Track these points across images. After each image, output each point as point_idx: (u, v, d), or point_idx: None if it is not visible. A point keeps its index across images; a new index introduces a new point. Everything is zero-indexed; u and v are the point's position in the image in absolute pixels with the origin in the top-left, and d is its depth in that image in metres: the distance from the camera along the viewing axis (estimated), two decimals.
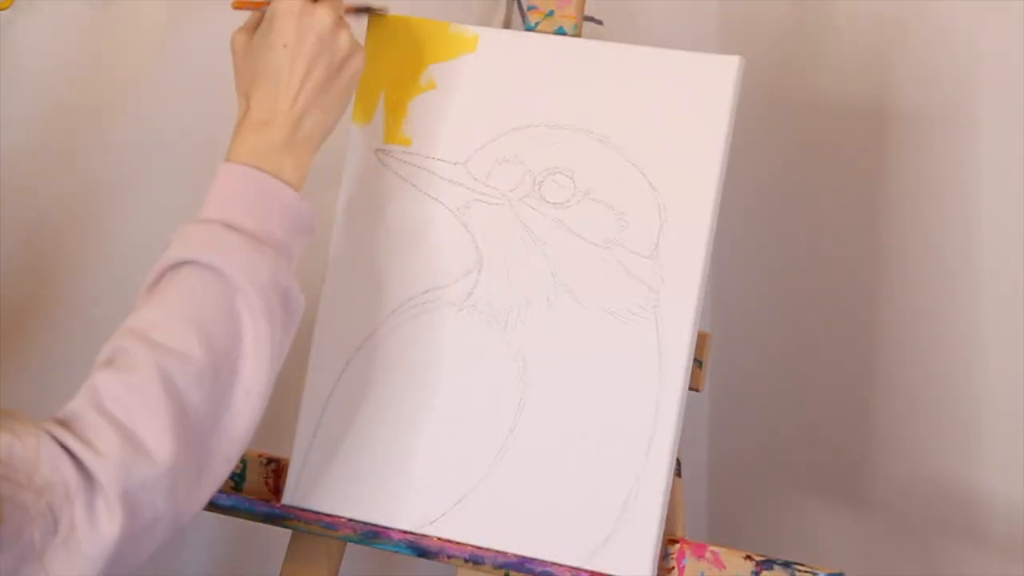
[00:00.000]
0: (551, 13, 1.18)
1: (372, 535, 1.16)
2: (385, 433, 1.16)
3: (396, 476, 1.16)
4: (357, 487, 1.16)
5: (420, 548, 1.15)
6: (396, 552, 1.16)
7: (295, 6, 1.06)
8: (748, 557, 1.11)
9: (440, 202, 1.17)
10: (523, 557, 1.13)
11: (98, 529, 0.91)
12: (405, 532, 1.15)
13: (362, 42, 1.13)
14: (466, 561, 1.14)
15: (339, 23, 1.07)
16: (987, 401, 1.47)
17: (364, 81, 1.19)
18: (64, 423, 0.94)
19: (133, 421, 0.94)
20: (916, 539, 1.54)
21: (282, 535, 1.21)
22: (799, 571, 1.09)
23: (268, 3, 1.08)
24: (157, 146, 1.44)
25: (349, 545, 1.20)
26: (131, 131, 1.43)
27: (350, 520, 1.16)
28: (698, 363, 1.14)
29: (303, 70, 1.06)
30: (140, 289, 1.01)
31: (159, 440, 0.94)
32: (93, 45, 1.38)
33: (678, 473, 1.13)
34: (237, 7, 1.09)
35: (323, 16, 1.06)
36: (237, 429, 0.98)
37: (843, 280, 1.55)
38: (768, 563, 1.10)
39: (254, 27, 1.09)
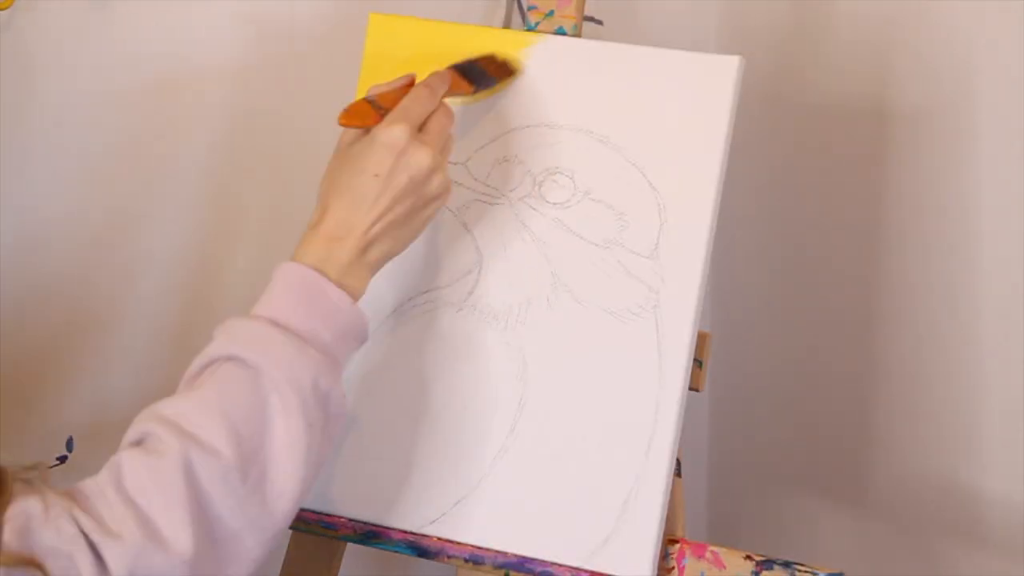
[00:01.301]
0: (551, 13, 1.18)
1: (372, 535, 1.16)
2: (385, 433, 1.16)
3: (396, 476, 1.16)
4: (357, 487, 1.16)
5: (420, 548, 1.15)
6: (396, 552, 1.16)
7: (399, 142, 1.05)
8: (748, 557, 1.11)
9: None
10: (523, 557, 1.13)
11: None
12: (405, 532, 1.15)
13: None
14: (466, 561, 1.14)
15: (436, 167, 1.06)
16: (987, 401, 1.46)
17: (365, 81, 1.19)
18: (83, 497, 0.93)
19: (150, 507, 0.93)
20: (916, 539, 1.54)
21: (282, 535, 1.21)
22: (799, 571, 1.09)
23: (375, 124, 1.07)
24: (157, 145, 1.44)
25: (349, 545, 1.20)
26: (131, 130, 1.43)
27: (350, 520, 1.16)
28: (698, 363, 1.14)
29: (386, 204, 1.04)
30: (181, 381, 1.01)
31: (176, 531, 0.92)
32: (93, 45, 1.38)
33: (678, 473, 1.13)
34: (344, 124, 1.07)
35: (422, 160, 1.05)
36: (267, 531, 0.97)
37: (843, 280, 1.55)
38: (768, 563, 1.10)
39: (363, 135, 1.07)
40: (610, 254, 1.13)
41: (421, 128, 1.07)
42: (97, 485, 0.94)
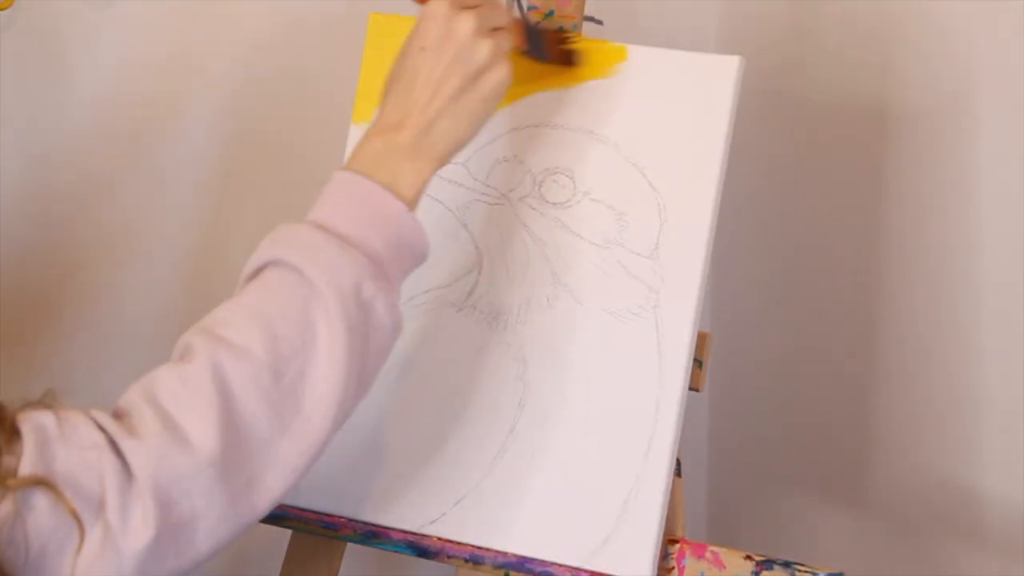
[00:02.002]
0: (551, 13, 1.18)
1: (372, 535, 1.16)
2: (385, 433, 1.16)
3: (396, 476, 1.16)
4: (357, 487, 1.16)
5: (420, 548, 1.15)
6: (396, 552, 1.16)
7: (440, 9, 1.02)
8: (748, 557, 1.11)
9: (440, 202, 1.17)
10: (523, 557, 1.13)
11: (130, 525, 0.88)
12: (405, 532, 1.15)
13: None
14: (466, 561, 1.14)
15: (481, 31, 1.02)
16: (987, 401, 1.47)
17: (365, 81, 1.19)
18: (115, 412, 0.91)
19: (178, 410, 0.90)
20: (916, 539, 1.54)
21: (282, 535, 1.21)
22: (799, 571, 1.09)
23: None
24: (157, 145, 1.44)
25: (349, 545, 1.20)
26: (131, 130, 1.43)
27: (350, 520, 1.16)
28: (698, 363, 1.14)
29: (439, 75, 1.01)
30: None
31: (201, 432, 0.90)
32: (93, 45, 1.38)
33: (678, 473, 1.13)
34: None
35: (464, 22, 1.02)
36: (307, 438, 0.94)
37: (843, 280, 1.55)
38: (768, 563, 1.10)
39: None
40: (610, 254, 1.13)
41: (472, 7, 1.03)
42: (128, 396, 0.92)
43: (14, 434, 0.88)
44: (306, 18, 1.45)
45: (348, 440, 1.16)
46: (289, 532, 1.20)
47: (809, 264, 1.57)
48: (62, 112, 1.39)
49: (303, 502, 1.17)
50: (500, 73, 1.04)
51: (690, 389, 1.12)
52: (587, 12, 1.19)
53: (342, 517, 1.17)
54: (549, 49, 1.14)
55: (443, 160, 1.02)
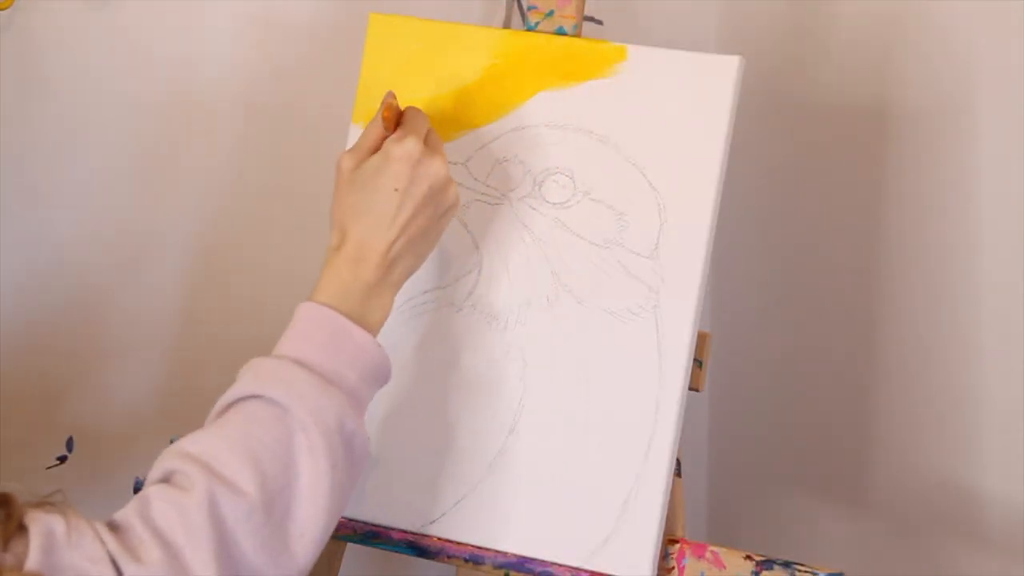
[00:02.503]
0: (551, 13, 1.18)
1: (372, 535, 1.16)
2: (385, 433, 1.16)
3: (396, 476, 1.16)
4: (357, 487, 1.16)
5: (420, 548, 1.15)
6: (396, 552, 1.16)
7: (413, 154, 1.05)
8: (748, 557, 1.11)
9: None
10: (523, 557, 1.13)
11: None
12: (405, 532, 1.15)
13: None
14: (466, 561, 1.14)
15: (450, 176, 1.07)
16: (987, 401, 1.46)
17: (365, 82, 1.19)
18: (110, 526, 0.93)
19: (176, 540, 0.93)
20: (916, 539, 1.54)
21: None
22: (799, 571, 1.09)
23: (395, 128, 1.08)
24: (157, 145, 1.44)
25: (349, 545, 1.20)
26: (131, 130, 1.43)
27: (350, 520, 1.16)
28: (698, 363, 1.14)
29: (408, 216, 1.05)
30: (207, 418, 1.01)
31: (201, 566, 0.92)
32: (93, 45, 1.38)
33: (678, 473, 1.13)
34: (386, 118, 1.07)
35: (439, 169, 1.06)
36: (290, 571, 0.97)
37: (843, 280, 1.55)
38: (768, 563, 1.10)
39: (364, 156, 1.07)
40: (610, 254, 1.13)
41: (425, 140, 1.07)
42: (125, 516, 0.94)
43: (20, 531, 0.89)
44: (306, 17, 1.45)
45: None
46: None
47: (809, 264, 1.57)
48: (61, 112, 1.39)
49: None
50: (456, 209, 1.09)
51: (690, 389, 1.12)
52: (587, 12, 1.19)
53: (342, 517, 1.17)
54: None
55: (399, 287, 1.07)
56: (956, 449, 1.49)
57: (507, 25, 1.48)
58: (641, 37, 1.25)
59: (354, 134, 1.18)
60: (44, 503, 0.92)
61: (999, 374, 1.45)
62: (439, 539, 1.14)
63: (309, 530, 0.97)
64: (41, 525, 0.90)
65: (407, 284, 1.17)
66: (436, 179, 1.06)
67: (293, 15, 1.45)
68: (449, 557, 1.14)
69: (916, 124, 1.45)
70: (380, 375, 1.04)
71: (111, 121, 1.41)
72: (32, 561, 0.88)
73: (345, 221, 1.05)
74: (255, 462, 0.96)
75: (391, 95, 1.09)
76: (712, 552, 1.12)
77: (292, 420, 0.98)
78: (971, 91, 1.41)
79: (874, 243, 1.51)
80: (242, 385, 1.00)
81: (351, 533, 1.16)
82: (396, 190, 1.05)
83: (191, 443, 0.98)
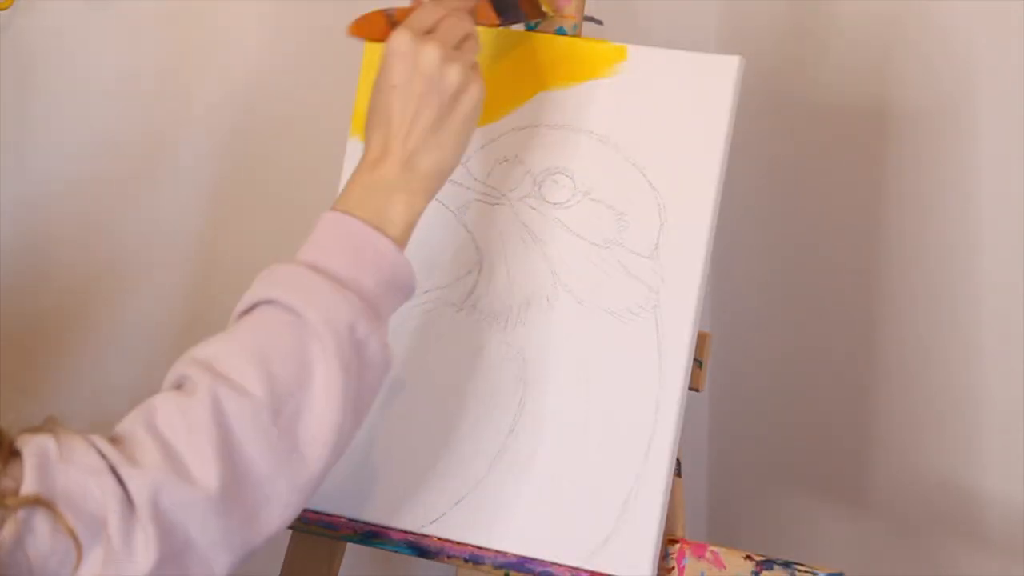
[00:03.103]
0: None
1: (372, 535, 1.16)
2: (385, 433, 1.16)
3: (396, 476, 1.16)
4: (357, 487, 1.16)
5: (420, 548, 1.15)
6: (396, 552, 1.16)
7: (403, 45, 1.03)
8: (748, 557, 1.11)
9: (440, 202, 1.17)
10: (523, 557, 1.13)
11: (133, 550, 0.89)
12: (405, 532, 1.15)
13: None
14: (466, 561, 1.14)
15: (448, 57, 1.04)
16: (987, 401, 1.47)
17: (364, 83, 1.19)
18: (112, 439, 0.92)
19: (178, 442, 0.92)
20: (916, 539, 1.54)
21: (282, 535, 1.21)
22: (799, 571, 1.09)
23: (384, 37, 1.06)
24: (157, 145, 1.44)
25: (349, 545, 1.20)
26: (131, 130, 1.43)
27: (350, 520, 1.16)
28: (698, 363, 1.14)
29: (412, 110, 1.03)
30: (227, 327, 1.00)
31: (202, 467, 0.91)
32: (93, 45, 1.38)
33: (678, 473, 1.13)
34: (352, 34, 1.06)
35: (429, 53, 1.03)
36: (301, 476, 0.95)
37: (843, 280, 1.55)
38: (768, 563, 1.10)
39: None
40: (610, 254, 1.13)
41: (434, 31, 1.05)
42: (127, 424, 0.93)
43: (13, 456, 0.89)
44: (306, 17, 1.45)
45: None
46: (289, 532, 1.20)
47: (809, 264, 1.57)
48: (61, 112, 1.39)
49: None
50: (474, 92, 1.05)
51: (690, 389, 1.12)
52: (587, 12, 1.19)
53: (342, 517, 1.17)
54: (524, 8, 1.15)
55: (433, 190, 1.04)
56: (956, 449, 1.49)
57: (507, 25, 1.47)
58: (641, 37, 1.24)
59: (352, 146, 1.18)
60: (35, 429, 0.91)
61: (999, 374, 1.45)
62: (439, 539, 1.14)
63: (322, 434, 0.95)
64: (33, 446, 0.89)
65: None
66: (428, 65, 1.03)
67: (294, 17, 1.45)
68: (449, 557, 1.14)
69: (916, 124, 1.45)
70: (400, 283, 1.01)
71: (111, 121, 1.41)
72: (28, 482, 0.87)
73: (367, 131, 1.04)
74: (263, 363, 0.94)
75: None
76: (712, 552, 1.12)
77: (303, 323, 0.96)
78: (971, 91, 1.41)
79: (874, 243, 1.51)
80: (254, 290, 0.99)
81: (351, 533, 1.16)
82: (393, 87, 1.03)
83: (199, 349, 0.97)
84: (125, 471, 0.90)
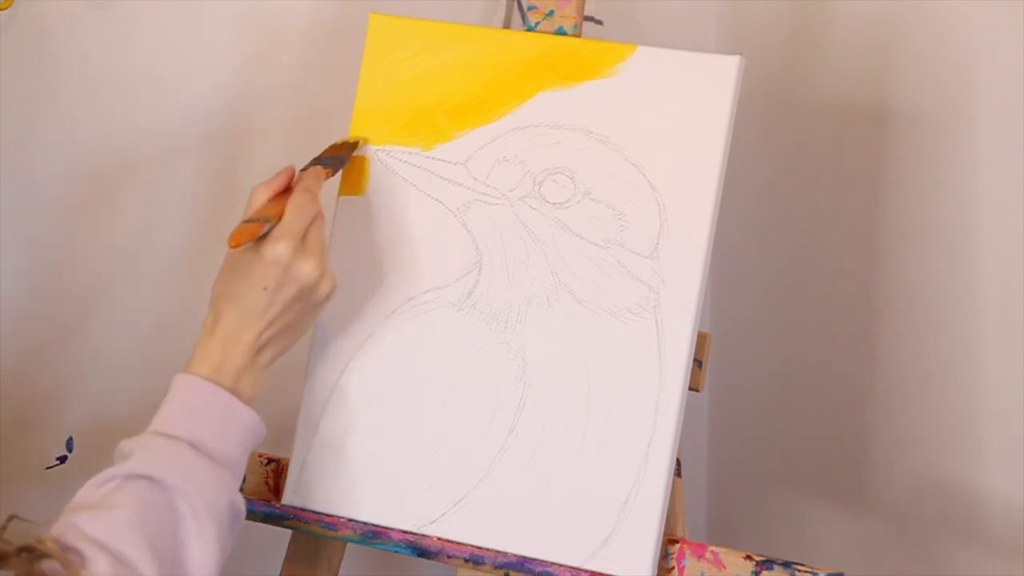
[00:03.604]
0: (551, 13, 1.18)
1: (372, 535, 1.16)
2: (385, 433, 1.16)
3: (396, 476, 1.16)
4: (357, 487, 1.16)
5: (420, 548, 1.15)
6: (396, 552, 1.16)
7: (284, 258, 1.08)
8: (748, 557, 1.11)
9: (440, 202, 1.17)
10: (523, 557, 1.13)
11: None
12: (405, 532, 1.15)
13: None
14: (466, 561, 1.14)
15: (322, 274, 1.10)
16: (987, 401, 1.46)
17: (365, 82, 1.19)
18: None
19: None
20: (916, 539, 1.54)
21: (282, 535, 1.21)
22: (799, 571, 1.09)
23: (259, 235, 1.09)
24: (157, 145, 1.44)
25: (349, 545, 1.20)
26: (130, 130, 1.43)
27: (350, 520, 1.16)
28: (698, 363, 1.14)
29: (275, 314, 1.09)
30: (87, 483, 1.02)
31: None
32: (93, 45, 1.38)
33: (678, 473, 1.13)
34: (234, 246, 1.08)
35: (309, 272, 1.09)
36: None
37: (843, 280, 1.55)
38: (768, 563, 1.10)
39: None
40: (610, 254, 1.13)
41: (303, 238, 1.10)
42: None
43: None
44: (306, 17, 1.45)
45: (348, 441, 1.17)
46: (289, 532, 1.20)
47: (809, 264, 1.57)
48: (61, 112, 1.39)
49: (303, 502, 1.17)
50: (329, 292, 1.11)
51: (690, 389, 1.12)
52: (587, 12, 1.19)
53: (342, 517, 1.17)
54: (342, 152, 1.18)
55: (270, 366, 1.11)
56: (956, 449, 1.49)
57: (507, 25, 1.48)
58: (641, 37, 1.25)
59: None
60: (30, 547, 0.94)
61: (999, 374, 1.45)
62: (439, 539, 1.14)
63: None
64: None
65: (408, 284, 1.17)
66: (306, 281, 1.09)
67: (293, 14, 1.45)
68: (449, 557, 1.14)
69: (916, 124, 1.45)
70: (257, 443, 1.09)
71: (111, 121, 1.41)
72: None
73: (219, 302, 1.09)
74: (152, 544, 0.98)
75: (290, 170, 1.14)
76: (712, 552, 1.12)
77: (184, 506, 1.01)
78: (971, 91, 1.41)
79: (874, 243, 1.51)
80: (137, 462, 1.02)
81: (351, 533, 1.16)
82: (265, 289, 1.08)
83: (85, 520, 0.99)
84: None
